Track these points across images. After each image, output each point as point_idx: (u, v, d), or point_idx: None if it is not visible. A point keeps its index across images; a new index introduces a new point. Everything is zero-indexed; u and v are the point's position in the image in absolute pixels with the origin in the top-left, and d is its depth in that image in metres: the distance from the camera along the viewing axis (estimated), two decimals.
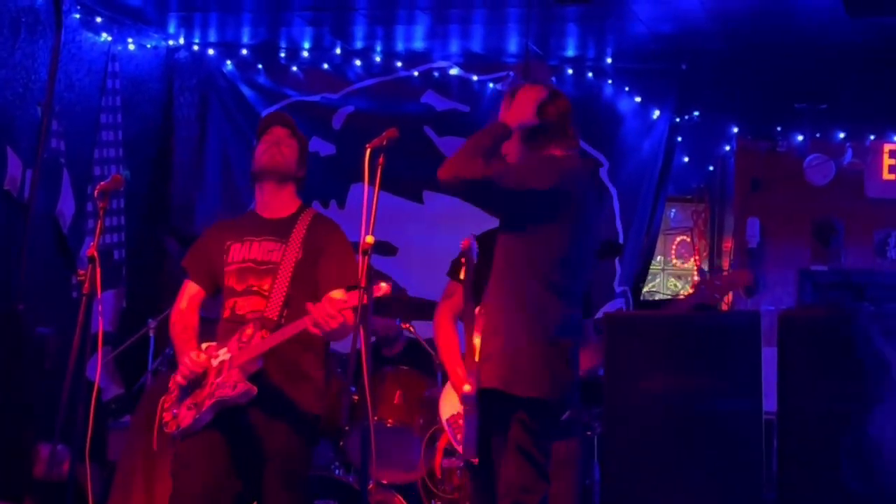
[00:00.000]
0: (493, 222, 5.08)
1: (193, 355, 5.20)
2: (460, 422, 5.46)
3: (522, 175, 4.77)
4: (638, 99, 9.39)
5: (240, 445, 5.15)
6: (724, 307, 9.35)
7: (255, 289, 5.25)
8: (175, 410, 5.19)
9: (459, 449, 5.35)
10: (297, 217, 5.41)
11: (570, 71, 9.50)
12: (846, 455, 5.76)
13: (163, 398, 5.31)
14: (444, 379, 6.36)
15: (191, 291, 5.48)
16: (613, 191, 9.39)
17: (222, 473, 5.11)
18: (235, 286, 5.29)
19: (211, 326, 5.40)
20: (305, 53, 9.71)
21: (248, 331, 5.14)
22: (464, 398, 4.95)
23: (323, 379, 5.37)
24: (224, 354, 5.17)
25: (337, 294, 5.01)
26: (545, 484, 4.80)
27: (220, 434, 5.13)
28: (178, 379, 5.21)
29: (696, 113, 9.43)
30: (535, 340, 4.74)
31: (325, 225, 5.44)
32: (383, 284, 4.74)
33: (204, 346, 5.28)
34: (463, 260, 5.44)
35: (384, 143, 4.76)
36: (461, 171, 4.68)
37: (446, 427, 5.77)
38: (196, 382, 5.17)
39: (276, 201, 5.41)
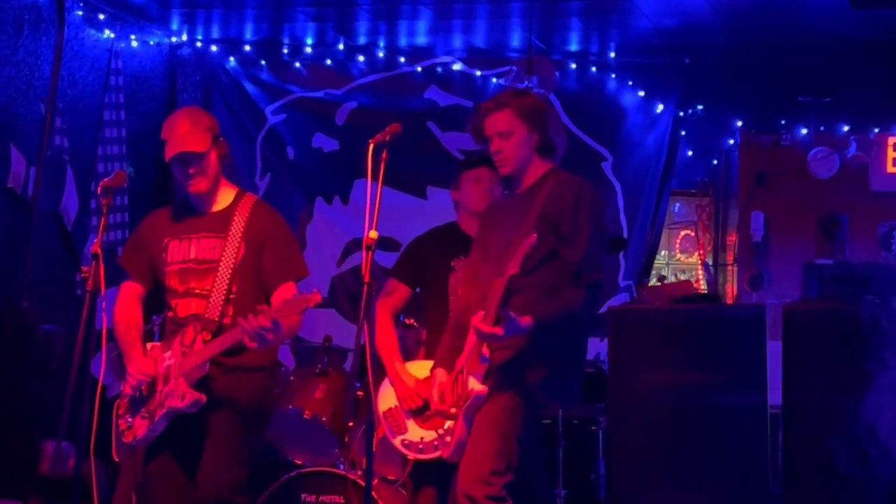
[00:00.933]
0: None
1: (139, 364, 5.15)
2: (398, 417, 5.51)
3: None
4: (641, 93, 9.38)
5: (192, 449, 5.13)
6: (729, 301, 9.35)
7: (196, 290, 5.17)
8: (129, 419, 5.15)
9: (440, 453, 5.27)
10: (235, 207, 5.28)
11: (573, 65, 9.49)
12: (841, 442, 5.76)
13: (116, 403, 5.26)
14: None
15: (132, 290, 5.41)
16: (617, 185, 9.38)
17: (186, 486, 5.12)
18: (177, 287, 5.22)
19: None
20: (308, 49, 9.71)
21: (190, 333, 5.07)
22: (476, 399, 4.93)
23: (269, 367, 5.32)
24: (168, 359, 5.11)
25: (282, 295, 4.99)
26: None
27: (175, 449, 5.14)
28: (126, 389, 5.19)
29: (700, 107, 9.41)
30: None
31: (266, 214, 5.32)
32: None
33: (149, 346, 5.23)
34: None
35: (387, 138, 4.76)
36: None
37: (383, 420, 5.76)
38: (148, 388, 5.14)
39: (206, 200, 5.32)
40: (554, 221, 4.97)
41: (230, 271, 5.12)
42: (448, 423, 5.07)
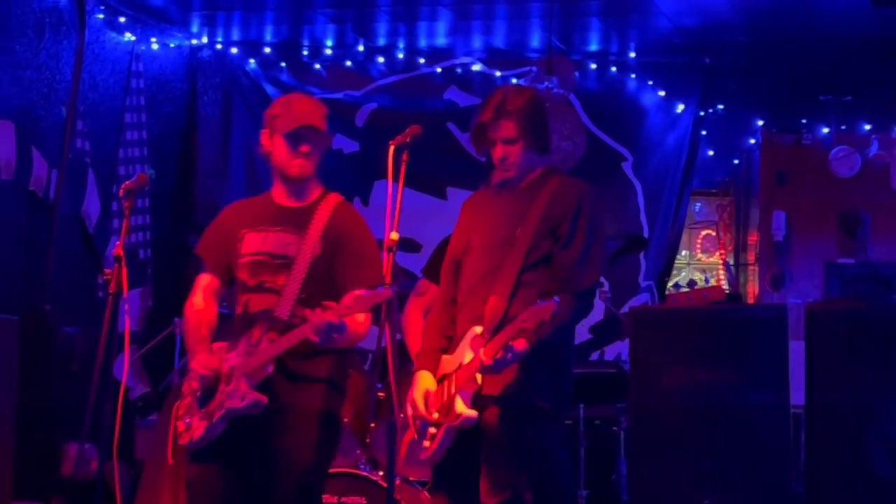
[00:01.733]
0: None
1: (203, 360, 4.94)
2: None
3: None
4: (662, 93, 9.37)
5: (249, 461, 4.92)
6: (751, 300, 9.33)
7: (267, 285, 4.96)
8: (188, 420, 4.95)
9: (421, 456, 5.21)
10: (317, 205, 5.11)
11: (593, 65, 9.48)
12: (874, 442, 5.74)
13: (176, 404, 5.06)
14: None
15: (206, 283, 5.18)
16: (638, 185, 9.37)
17: (234, 497, 4.92)
18: (248, 280, 5.01)
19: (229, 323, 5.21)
20: (328, 51, 9.72)
21: (256, 333, 4.89)
22: (464, 422, 4.87)
23: (338, 378, 5.06)
24: (233, 359, 4.91)
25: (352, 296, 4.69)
26: None
27: (228, 456, 4.90)
28: (192, 384, 4.98)
29: (721, 106, 9.40)
30: None
31: (348, 215, 5.14)
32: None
33: (215, 346, 5.02)
34: None
35: (407, 139, 4.74)
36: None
37: (411, 422, 5.60)
38: (209, 389, 4.92)
39: (294, 191, 5.13)
40: (554, 223, 4.95)
41: (304, 270, 4.93)
42: (431, 429, 4.96)
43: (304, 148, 5.04)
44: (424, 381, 4.96)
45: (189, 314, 5.13)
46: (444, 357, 4.97)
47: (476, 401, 4.81)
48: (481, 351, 4.71)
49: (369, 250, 5.04)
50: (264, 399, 4.79)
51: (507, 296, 4.86)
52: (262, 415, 4.83)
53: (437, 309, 5.19)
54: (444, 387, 4.90)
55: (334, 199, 5.15)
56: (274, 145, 5.07)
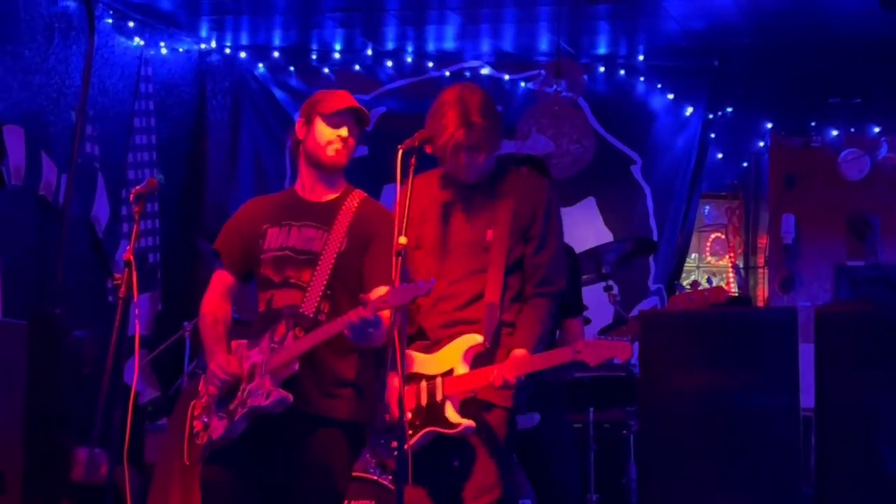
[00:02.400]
0: None
1: (223, 362, 4.81)
2: None
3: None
4: (671, 96, 9.37)
5: (271, 465, 4.80)
6: (760, 303, 9.32)
7: (293, 281, 4.84)
8: (205, 419, 4.85)
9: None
10: (343, 201, 4.97)
11: (601, 69, 9.49)
12: (886, 444, 5.73)
13: (192, 403, 4.96)
14: None
15: (224, 281, 5.06)
16: (647, 188, 9.37)
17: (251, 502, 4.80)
18: (273, 277, 4.88)
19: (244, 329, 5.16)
20: (337, 55, 9.73)
21: (281, 329, 4.75)
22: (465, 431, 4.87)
23: (365, 382, 4.91)
24: (255, 356, 4.79)
25: (380, 291, 4.58)
26: None
27: (249, 458, 4.78)
28: (211, 389, 4.85)
29: (730, 109, 9.40)
30: None
31: (374, 210, 4.99)
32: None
33: (234, 344, 4.90)
34: None
35: (416, 143, 4.74)
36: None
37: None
38: (229, 389, 4.81)
39: (321, 184, 4.99)
40: (526, 223, 4.93)
41: (330, 266, 4.81)
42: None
43: (346, 133, 4.94)
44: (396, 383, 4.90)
45: (206, 311, 5.02)
46: (418, 356, 4.92)
47: (465, 406, 4.83)
48: (498, 373, 4.72)
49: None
50: (290, 397, 4.67)
51: (499, 302, 4.86)
52: (287, 417, 4.72)
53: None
54: (422, 388, 4.87)
55: (359, 195, 5.03)
56: (312, 130, 4.94)
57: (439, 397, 4.79)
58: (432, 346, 4.94)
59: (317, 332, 4.67)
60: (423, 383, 4.86)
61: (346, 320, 4.55)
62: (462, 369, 4.80)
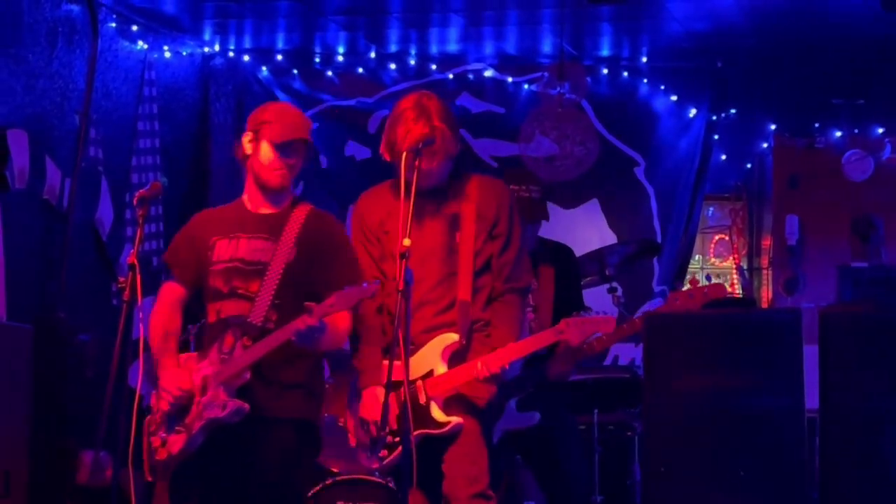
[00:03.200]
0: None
1: (174, 378, 4.91)
2: None
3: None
4: (674, 97, 9.37)
5: (232, 469, 4.89)
6: (764, 305, 9.32)
7: (241, 291, 4.94)
8: (163, 434, 4.92)
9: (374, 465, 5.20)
10: (290, 212, 5.07)
11: (605, 71, 9.49)
12: (892, 443, 5.72)
13: (147, 420, 5.01)
14: None
15: (174, 293, 5.18)
16: (651, 190, 9.37)
17: None
18: (221, 287, 4.98)
19: None
20: (340, 58, 9.74)
21: (229, 340, 4.87)
22: (454, 428, 4.92)
23: (314, 384, 5.07)
24: (205, 368, 4.89)
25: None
26: None
27: (210, 470, 4.91)
28: (163, 405, 4.93)
29: (733, 110, 9.40)
30: None
31: (323, 221, 5.12)
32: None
33: (183, 357, 5.00)
34: None
35: (420, 146, 4.75)
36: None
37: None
38: (182, 406, 4.90)
39: (268, 199, 5.09)
40: (490, 223, 4.98)
41: (278, 276, 4.92)
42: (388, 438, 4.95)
43: (293, 160, 5.04)
44: (378, 396, 4.93)
45: (155, 323, 5.13)
46: (396, 364, 4.93)
47: (448, 404, 4.85)
48: (489, 360, 4.74)
49: (349, 255, 5.03)
50: (246, 406, 4.78)
51: (471, 300, 4.89)
52: (241, 422, 4.82)
53: (371, 319, 5.11)
54: (409, 394, 4.88)
55: (306, 207, 5.13)
56: (258, 150, 5.05)
57: (423, 400, 4.82)
58: (412, 352, 4.94)
59: (266, 340, 4.77)
60: (410, 389, 4.87)
61: (293, 328, 4.67)
62: (441, 369, 4.85)
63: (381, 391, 4.87)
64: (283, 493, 4.93)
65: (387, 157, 5.01)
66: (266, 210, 5.09)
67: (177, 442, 4.88)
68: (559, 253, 6.30)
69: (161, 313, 5.15)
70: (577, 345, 5.21)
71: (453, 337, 4.86)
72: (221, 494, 4.94)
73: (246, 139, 5.10)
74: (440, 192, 5.03)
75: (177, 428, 4.89)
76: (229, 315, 4.95)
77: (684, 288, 6.60)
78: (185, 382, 4.92)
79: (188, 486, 4.94)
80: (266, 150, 5.03)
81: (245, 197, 5.17)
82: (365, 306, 5.03)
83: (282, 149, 5.02)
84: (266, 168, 5.04)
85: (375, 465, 4.95)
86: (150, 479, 5.04)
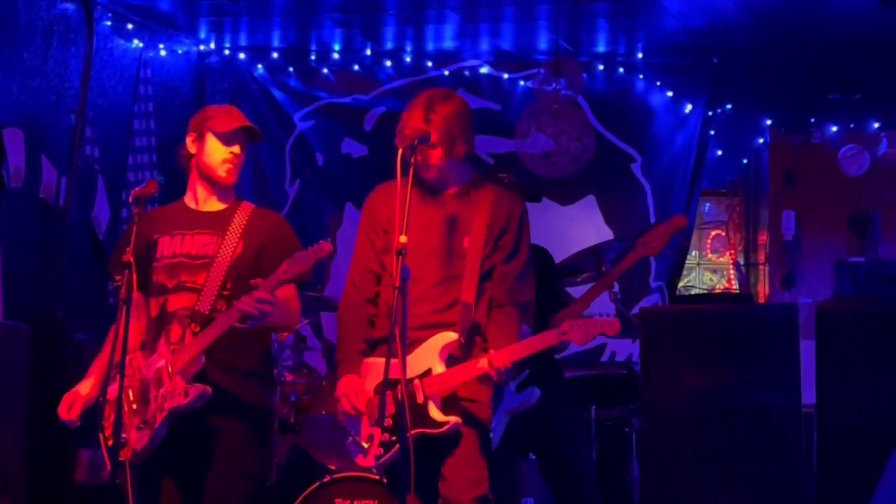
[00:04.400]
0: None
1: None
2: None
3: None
4: (670, 93, 9.37)
5: (196, 456, 4.94)
6: (761, 300, 9.33)
7: (188, 284, 4.99)
8: (124, 436, 4.85)
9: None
10: (234, 210, 5.15)
11: (601, 67, 9.49)
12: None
13: (102, 425, 5.00)
14: None
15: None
16: (647, 186, 9.37)
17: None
18: (166, 282, 5.02)
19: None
20: (336, 55, 9.73)
21: (176, 330, 4.92)
22: (452, 428, 4.92)
23: (266, 374, 5.19)
24: (156, 361, 4.92)
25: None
26: None
27: (175, 463, 4.94)
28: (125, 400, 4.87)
29: (729, 106, 9.40)
30: None
31: (268, 218, 5.21)
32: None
33: (128, 357, 4.90)
34: None
35: (416, 143, 4.75)
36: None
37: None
38: (137, 401, 4.92)
39: (213, 196, 5.17)
40: (498, 232, 4.97)
41: (225, 267, 4.99)
42: (384, 435, 4.93)
43: (237, 149, 5.13)
44: (358, 384, 4.94)
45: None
46: (393, 361, 4.92)
47: (446, 404, 4.84)
48: (494, 356, 4.73)
49: (295, 246, 5.05)
50: (209, 389, 4.82)
51: (474, 304, 4.88)
52: (204, 409, 4.86)
53: (355, 311, 5.11)
54: (404, 393, 4.86)
55: (249, 206, 5.21)
56: (203, 146, 5.14)
57: (420, 399, 4.81)
58: (408, 349, 4.94)
59: (218, 321, 4.83)
60: (408, 387, 4.85)
61: (245, 301, 4.74)
62: (440, 368, 4.83)
63: (356, 378, 4.93)
64: (247, 475, 5.00)
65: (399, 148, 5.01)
66: (211, 207, 5.17)
67: (141, 438, 4.89)
68: (536, 255, 6.29)
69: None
70: (580, 346, 5.21)
71: (452, 336, 4.85)
72: (186, 481, 4.98)
73: (189, 140, 5.20)
74: (450, 196, 5.04)
75: (137, 425, 4.90)
76: (176, 308, 4.99)
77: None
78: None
79: (154, 478, 4.97)
80: (212, 144, 5.13)
81: (188, 197, 5.24)
82: (349, 298, 5.10)
83: (226, 139, 5.12)
84: (213, 163, 5.13)
85: (372, 463, 4.93)
86: (118, 481, 5.00)
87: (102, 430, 4.99)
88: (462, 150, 5.01)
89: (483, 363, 4.75)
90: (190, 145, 5.18)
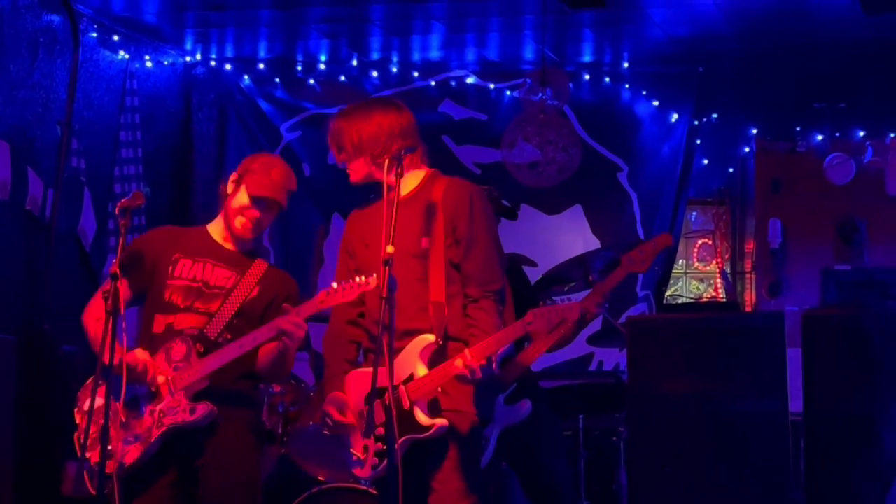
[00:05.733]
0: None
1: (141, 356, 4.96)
2: None
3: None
4: (656, 103, 9.39)
5: (189, 470, 5.03)
6: (748, 308, 9.34)
7: (200, 309, 5.10)
8: (110, 448, 4.81)
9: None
10: (253, 259, 5.27)
11: (586, 76, 9.50)
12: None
13: (76, 435, 5.02)
14: None
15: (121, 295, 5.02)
16: (633, 195, 9.39)
17: None
18: (178, 303, 5.11)
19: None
20: (322, 66, 9.73)
21: (179, 347, 4.98)
22: (439, 431, 4.92)
23: (258, 398, 5.39)
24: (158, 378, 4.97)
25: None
26: None
27: (169, 476, 5.01)
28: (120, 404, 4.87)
29: (715, 115, 9.42)
30: None
31: (283, 274, 5.36)
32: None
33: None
34: None
35: (402, 153, 4.76)
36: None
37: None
38: (124, 415, 4.93)
39: (232, 240, 5.26)
40: (452, 224, 4.94)
41: (239, 302, 5.11)
42: (378, 445, 4.93)
43: (262, 218, 5.21)
44: (341, 400, 4.96)
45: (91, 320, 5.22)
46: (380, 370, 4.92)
47: (433, 409, 4.84)
48: (466, 354, 4.72)
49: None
50: (216, 409, 4.92)
51: (445, 303, 4.88)
52: (199, 429, 4.95)
53: (336, 337, 5.15)
54: (393, 400, 4.86)
55: (264, 263, 5.30)
56: (236, 194, 5.20)
57: (406, 405, 4.81)
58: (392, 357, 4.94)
59: (232, 346, 4.96)
60: (393, 394, 4.84)
61: (287, 319, 4.88)
62: (422, 371, 4.84)
63: (339, 395, 4.96)
64: (244, 483, 5.13)
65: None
66: (231, 247, 5.26)
67: (132, 452, 4.92)
68: (509, 272, 6.26)
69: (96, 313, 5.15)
70: (546, 333, 5.24)
71: (430, 338, 4.85)
72: (180, 491, 5.03)
73: (231, 179, 5.28)
74: (410, 200, 5.03)
75: (126, 438, 4.92)
76: (184, 326, 5.07)
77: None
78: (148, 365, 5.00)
79: (144, 489, 5.00)
80: (242, 198, 5.19)
81: (213, 228, 5.31)
82: (331, 325, 5.17)
83: (255, 201, 5.18)
84: (236, 213, 5.20)
85: (370, 474, 4.93)
86: (93, 493, 4.98)
87: (83, 444, 4.91)
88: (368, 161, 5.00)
89: (458, 363, 4.76)
90: (229, 184, 5.26)
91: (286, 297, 5.16)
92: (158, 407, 4.94)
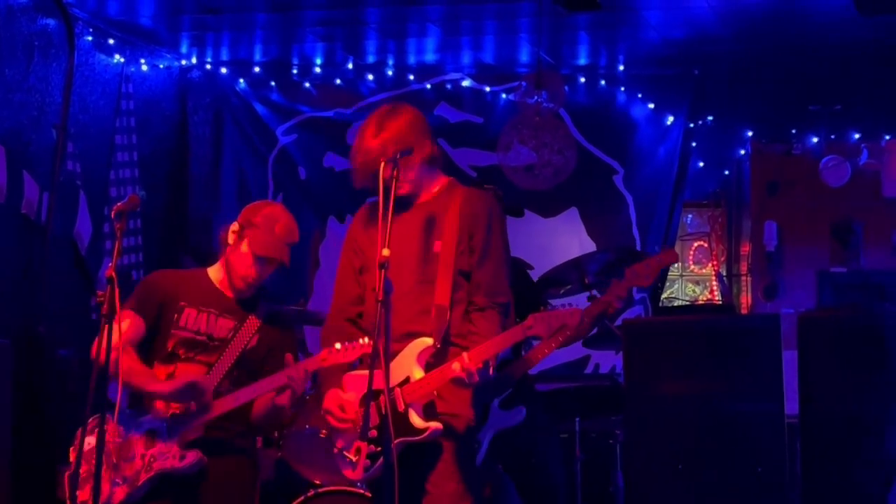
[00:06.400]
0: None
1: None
2: None
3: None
4: (651, 105, 9.39)
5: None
6: (744, 311, 9.34)
7: (201, 360, 5.20)
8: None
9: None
10: (253, 308, 5.32)
11: (582, 79, 9.50)
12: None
13: (68, 475, 4.93)
14: None
15: (132, 331, 5.18)
16: (629, 198, 9.39)
17: None
18: (179, 353, 5.20)
19: None
20: (318, 69, 9.73)
21: None
22: (433, 434, 4.93)
23: (254, 448, 5.46)
24: (149, 422, 5.06)
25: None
26: None
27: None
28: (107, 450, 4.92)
29: (710, 118, 9.42)
30: None
31: (284, 328, 5.42)
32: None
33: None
34: None
35: (398, 156, 4.75)
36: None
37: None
38: (115, 456, 4.98)
39: (234, 290, 5.32)
40: (468, 233, 4.95)
41: (237, 353, 5.18)
42: (371, 447, 4.94)
43: (263, 272, 5.25)
44: (341, 398, 4.97)
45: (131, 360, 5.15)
46: (377, 372, 4.92)
47: (428, 413, 4.84)
48: (464, 357, 4.72)
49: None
50: (205, 458, 5.02)
51: (449, 308, 4.87)
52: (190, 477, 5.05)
53: (339, 324, 5.16)
54: (389, 402, 4.86)
55: (258, 320, 5.33)
56: (239, 247, 5.24)
57: (401, 407, 4.81)
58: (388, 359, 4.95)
59: (235, 394, 5.07)
60: (389, 397, 4.84)
61: (296, 368, 4.98)
62: (418, 374, 4.84)
63: (338, 392, 4.96)
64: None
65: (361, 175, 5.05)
66: (233, 295, 5.32)
67: (118, 493, 4.97)
68: (512, 273, 6.27)
69: (130, 352, 5.13)
70: (546, 337, 5.26)
71: (427, 341, 4.85)
72: None
73: (232, 229, 5.29)
74: (422, 204, 5.03)
75: (114, 480, 4.97)
76: (184, 375, 5.11)
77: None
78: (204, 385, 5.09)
79: None
80: (244, 252, 5.24)
81: (214, 274, 5.36)
82: (330, 321, 5.19)
83: (258, 259, 5.22)
84: (238, 268, 5.25)
85: (361, 476, 4.93)
86: None
87: (74, 482, 4.91)
88: (419, 158, 4.99)
89: (455, 366, 4.76)
90: (230, 234, 5.28)
91: (288, 347, 5.23)
92: (150, 451, 5.01)
